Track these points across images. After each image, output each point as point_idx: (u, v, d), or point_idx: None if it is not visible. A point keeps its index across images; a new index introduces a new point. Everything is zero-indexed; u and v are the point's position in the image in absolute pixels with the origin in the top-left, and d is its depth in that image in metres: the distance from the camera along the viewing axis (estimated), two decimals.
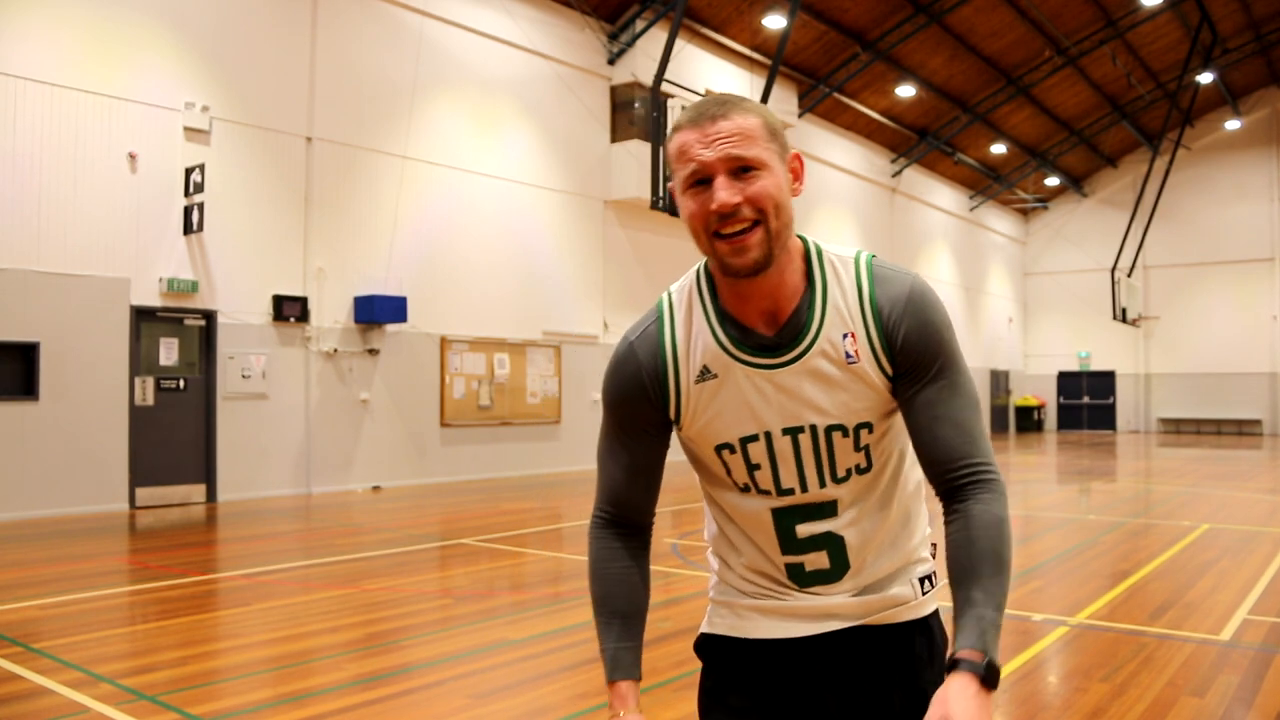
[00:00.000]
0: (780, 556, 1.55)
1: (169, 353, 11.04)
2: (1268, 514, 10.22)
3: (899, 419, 1.53)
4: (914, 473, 1.61)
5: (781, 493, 1.51)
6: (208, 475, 11.25)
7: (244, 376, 11.56)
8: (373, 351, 12.99)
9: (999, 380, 31.77)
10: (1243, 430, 28.83)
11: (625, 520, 1.62)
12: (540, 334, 15.40)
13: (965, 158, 27.05)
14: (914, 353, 1.45)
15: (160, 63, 10.94)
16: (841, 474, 1.51)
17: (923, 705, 1.41)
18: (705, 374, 1.48)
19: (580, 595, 6.23)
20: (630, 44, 16.58)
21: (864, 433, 1.49)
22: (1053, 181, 30.80)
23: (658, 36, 16.24)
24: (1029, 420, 31.70)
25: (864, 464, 1.51)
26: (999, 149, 27.26)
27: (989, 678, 1.31)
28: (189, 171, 10.95)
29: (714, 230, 1.40)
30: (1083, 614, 5.57)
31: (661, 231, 17.16)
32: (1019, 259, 33.33)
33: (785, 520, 1.52)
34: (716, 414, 1.49)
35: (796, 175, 1.47)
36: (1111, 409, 31.47)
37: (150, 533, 9.11)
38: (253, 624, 5.50)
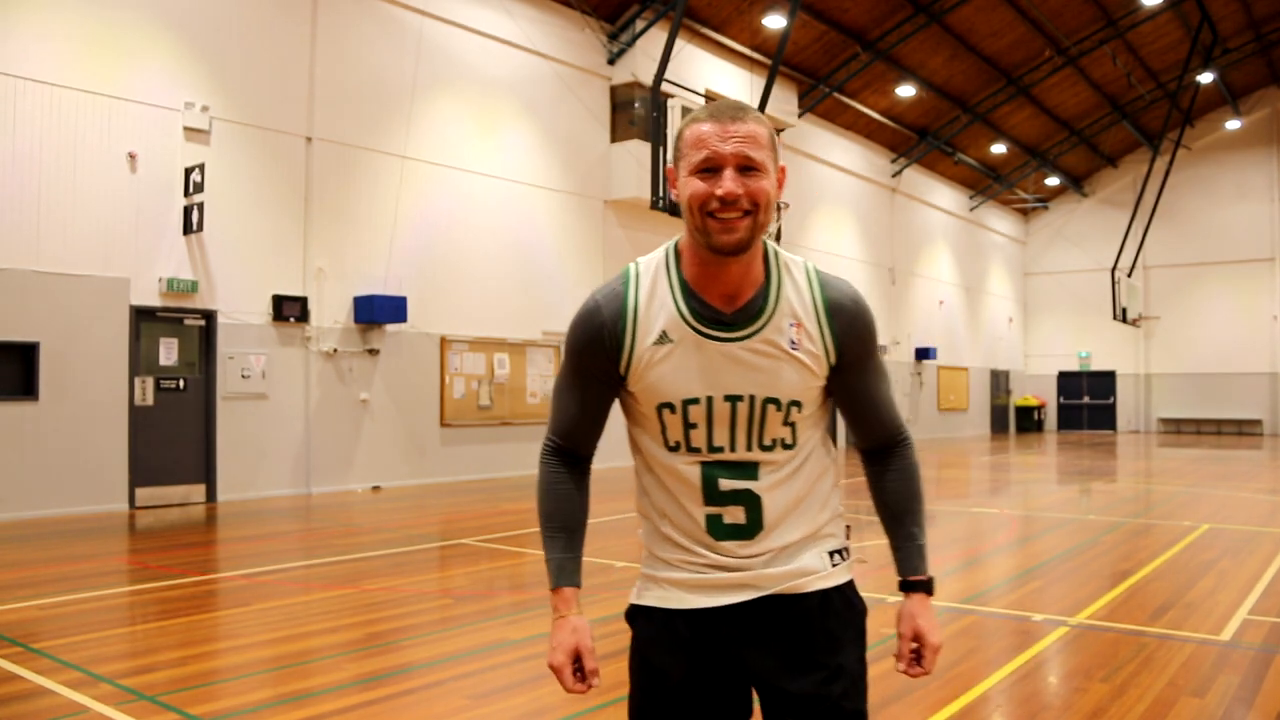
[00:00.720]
0: (702, 508, 1.73)
1: (169, 353, 11.04)
2: (1268, 514, 10.21)
3: (824, 408, 1.79)
4: (829, 454, 1.83)
5: (712, 449, 1.71)
6: (207, 475, 11.24)
7: (244, 376, 11.56)
8: (373, 351, 12.99)
9: (999, 380, 31.76)
10: (1243, 430, 28.83)
11: (571, 450, 1.84)
12: (540, 334, 15.39)
13: (965, 158, 27.05)
14: (857, 347, 1.74)
15: (160, 62, 10.94)
16: (767, 442, 1.72)
17: (840, 666, 1.72)
18: (663, 338, 1.68)
19: (580, 595, 6.23)
20: (630, 44, 16.58)
21: (794, 410, 1.71)
22: (1053, 181, 30.80)
23: (658, 36, 16.23)
24: (1029, 420, 31.69)
25: (789, 440, 1.73)
26: (999, 149, 27.26)
27: (931, 591, 1.82)
28: (189, 171, 10.95)
29: (710, 210, 1.61)
30: (1083, 614, 5.57)
31: (661, 231, 17.15)
32: (1019, 259, 33.33)
33: (710, 473, 1.72)
34: (665, 375, 1.69)
35: (780, 184, 1.68)
36: (1112, 409, 31.47)
37: (150, 533, 9.11)
38: (252, 624, 5.50)
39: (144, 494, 10.66)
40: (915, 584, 1.82)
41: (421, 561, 7.59)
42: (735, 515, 1.72)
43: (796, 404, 1.71)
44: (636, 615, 1.83)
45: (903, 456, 1.85)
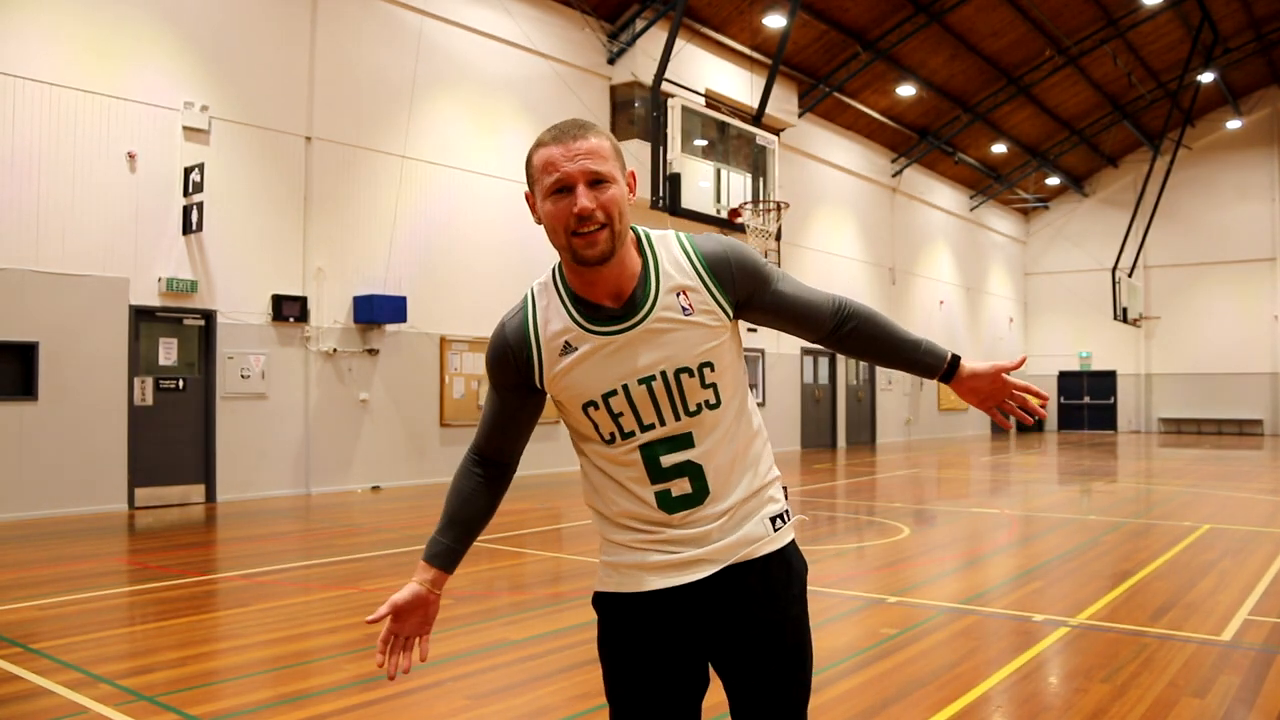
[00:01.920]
0: (649, 488, 1.83)
1: (168, 353, 11.03)
2: (1269, 514, 10.20)
3: (739, 360, 1.90)
4: (756, 417, 1.94)
5: (644, 429, 1.81)
6: (207, 475, 11.24)
7: (243, 376, 11.55)
8: (372, 351, 12.98)
9: None
10: (1243, 430, 28.82)
11: (489, 455, 1.98)
12: None
13: (966, 157, 27.04)
14: (749, 284, 1.85)
15: (159, 62, 10.93)
16: (693, 408, 1.82)
17: (784, 623, 1.86)
18: (567, 348, 1.82)
19: (581, 595, 6.22)
20: (630, 43, 16.57)
21: (707, 371, 1.81)
22: (1053, 181, 30.79)
23: (658, 36, 16.22)
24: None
25: (713, 400, 1.83)
26: (999, 149, 27.25)
27: (955, 361, 1.97)
28: (188, 171, 10.94)
29: (572, 230, 1.73)
30: (1083, 614, 5.56)
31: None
32: (1020, 259, 33.32)
33: (651, 452, 1.82)
34: (579, 378, 1.81)
35: (631, 187, 1.81)
36: (1112, 409, 31.46)
37: (149, 533, 9.10)
38: (252, 624, 5.49)
39: (143, 494, 10.66)
40: (950, 368, 1.96)
41: None
42: (682, 486, 1.83)
43: (708, 365, 1.81)
44: (600, 602, 1.94)
45: (851, 315, 1.94)
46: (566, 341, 1.82)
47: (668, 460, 1.82)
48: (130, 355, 10.58)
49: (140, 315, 10.71)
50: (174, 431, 10.96)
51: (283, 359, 12.03)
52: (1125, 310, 26.33)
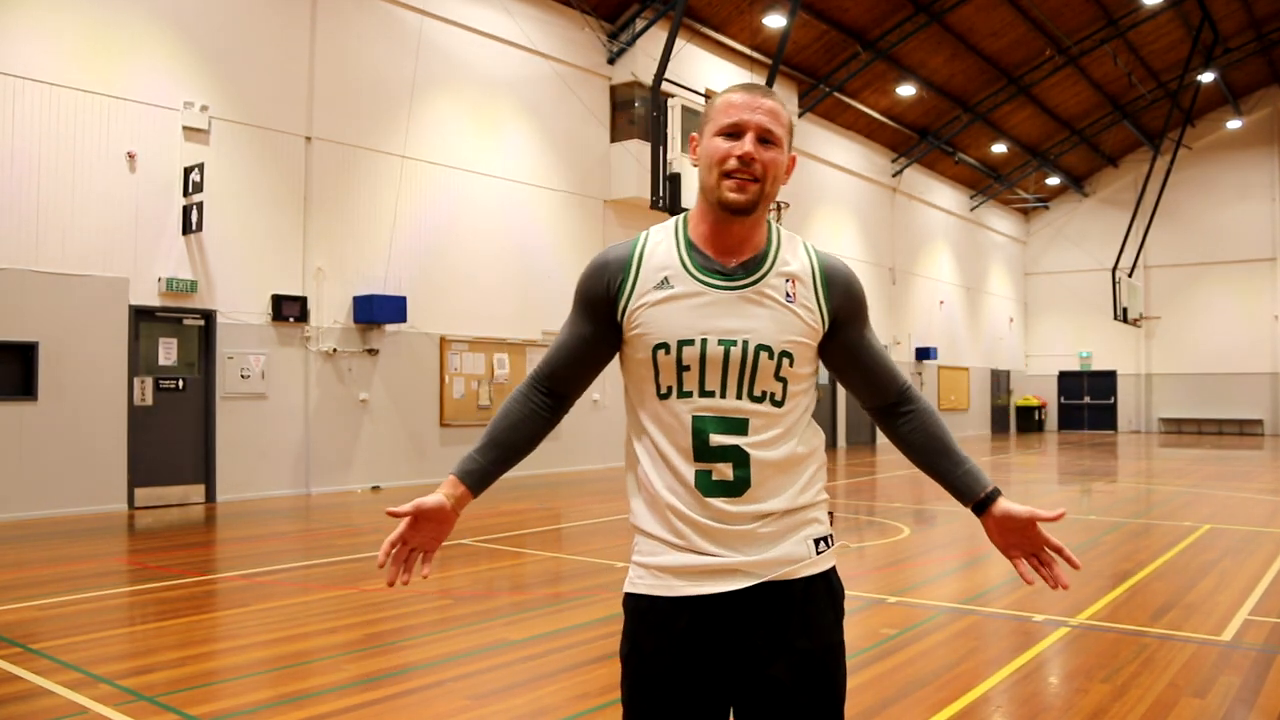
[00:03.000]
0: (691, 465, 1.80)
1: (168, 353, 11.03)
2: (1269, 514, 10.20)
3: (813, 378, 1.89)
4: (814, 442, 1.90)
5: (704, 394, 1.79)
6: (207, 475, 11.23)
7: (243, 376, 11.55)
8: (372, 351, 12.98)
9: (1000, 380, 31.75)
10: (1244, 430, 28.82)
11: (550, 383, 1.95)
12: (540, 334, 15.39)
13: (966, 157, 27.04)
14: (850, 308, 1.87)
15: (159, 62, 10.93)
16: (757, 393, 1.80)
17: (822, 652, 1.81)
18: (664, 283, 1.81)
19: (580, 595, 6.22)
20: (630, 43, 16.57)
21: (785, 361, 1.80)
22: (1053, 181, 30.79)
23: (658, 36, 16.22)
24: (1030, 420, 31.68)
25: (779, 396, 1.82)
26: (999, 148, 27.24)
27: (993, 494, 1.88)
28: (188, 171, 10.94)
29: (726, 170, 1.76)
30: (1084, 614, 5.56)
31: None
32: (1020, 259, 33.31)
33: (701, 425, 1.79)
34: (663, 316, 1.80)
35: (789, 169, 1.85)
36: (1112, 409, 31.45)
37: (149, 533, 9.10)
38: (252, 625, 5.49)
39: (143, 494, 10.66)
40: (987, 499, 1.89)
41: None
42: (723, 472, 1.80)
43: (788, 355, 1.80)
44: (629, 602, 1.89)
45: (914, 400, 1.93)
46: (666, 277, 1.81)
47: (716, 440, 1.79)
48: (130, 355, 10.58)
49: (140, 315, 10.71)
50: (174, 431, 10.95)
51: (283, 359, 12.03)
52: (1125, 310, 26.33)
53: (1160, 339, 30.50)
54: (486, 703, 4.04)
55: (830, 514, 1.95)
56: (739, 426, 1.79)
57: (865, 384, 1.94)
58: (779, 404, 1.82)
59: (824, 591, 1.86)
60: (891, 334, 25.35)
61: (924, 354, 26.43)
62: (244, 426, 11.55)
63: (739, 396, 1.79)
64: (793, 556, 1.82)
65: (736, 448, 1.79)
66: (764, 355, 1.78)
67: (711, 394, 1.79)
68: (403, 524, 1.84)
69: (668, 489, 1.82)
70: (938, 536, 8.98)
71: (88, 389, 10.18)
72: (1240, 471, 15.84)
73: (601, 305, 1.86)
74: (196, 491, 11.14)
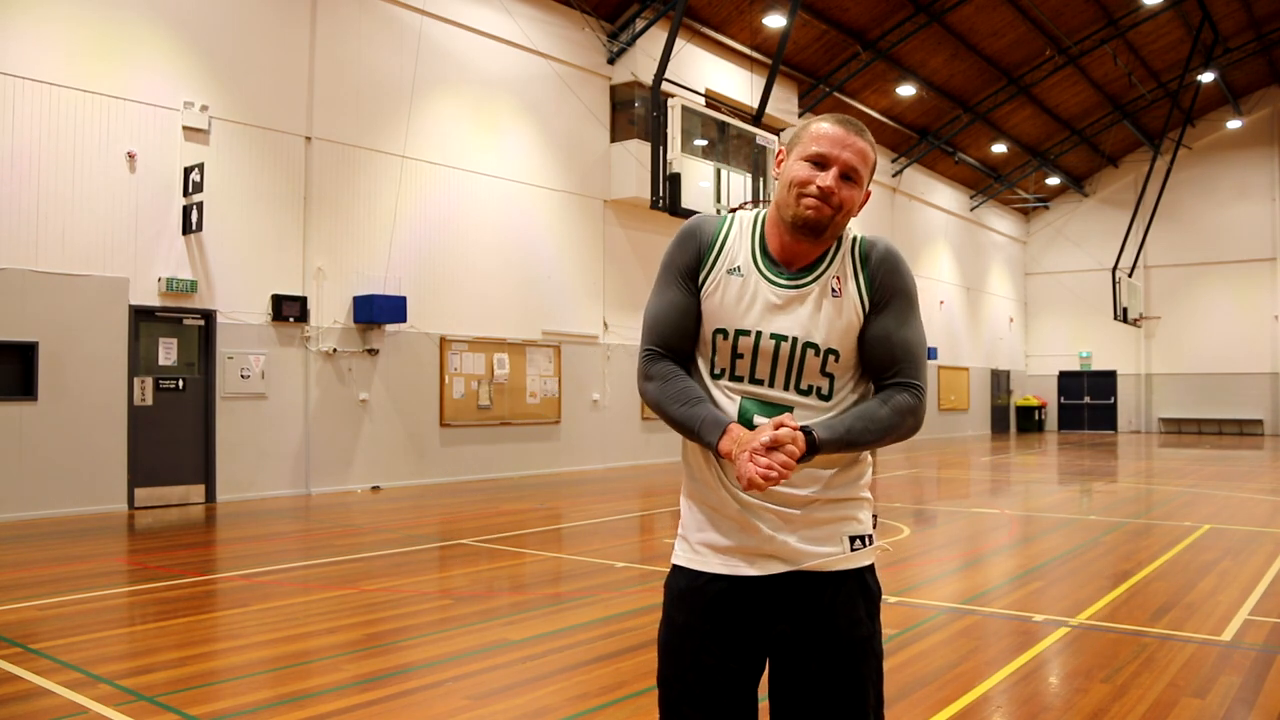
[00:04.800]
0: None
1: (168, 353, 11.03)
2: (1269, 514, 10.20)
3: (859, 374, 1.96)
4: (865, 453, 1.98)
5: (753, 381, 1.93)
6: (206, 475, 11.23)
7: (243, 376, 11.55)
8: (372, 351, 12.97)
9: (1000, 380, 31.74)
10: (1244, 430, 28.81)
11: (671, 349, 1.99)
12: (540, 334, 15.38)
13: (966, 157, 27.04)
14: (889, 282, 1.93)
15: (159, 62, 10.92)
16: (804, 386, 1.92)
17: (851, 644, 1.91)
18: (735, 270, 1.95)
19: (580, 595, 6.22)
20: (630, 43, 16.56)
21: (831, 359, 1.91)
22: (1054, 181, 30.78)
23: (658, 36, 16.22)
24: (1030, 420, 31.67)
25: (825, 390, 1.92)
26: (1000, 148, 27.24)
27: (811, 443, 1.80)
28: (188, 171, 10.94)
29: (804, 192, 1.87)
30: (1084, 615, 5.56)
31: (661, 231, 17.15)
32: (1020, 259, 33.31)
33: (747, 406, 1.92)
34: (728, 302, 1.93)
35: (862, 205, 1.95)
36: (1112, 409, 31.45)
37: (149, 533, 9.10)
38: (252, 625, 5.49)
39: (143, 494, 10.65)
40: (809, 428, 1.83)
41: (421, 562, 7.58)
42: None
43: (834, 352, 1.91)
44: (672, 575, 2.02)
45: (901, 393, 1.93)
46: (739, 265, 1.95)
47: (760, 422, 1.88)
48: (130, 355, 10.58)
49: (140, 315, 10.71)
50: (174, 432, 10.95)
51: (283, 359, 12.03)
52: (1125, 310, 26.32)
53: (1160, 339, 30.50)
54: (486, 703, 4.04)
55: (875, 516, 2.02)
56: (783, 410, 1.89)
57: (873, 364, 1.96)
58: (826, 398, 1.92)
59: (857, 588, 1.94)
60: None
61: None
62: (244, 426, 11.54)
63: (786, 388, 1.92)
64: (827, 550, 1.91)
65: None
66: (810, 353, 1.90)
67: (760, 382, 1.92)
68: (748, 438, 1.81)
69: (710, 463, 1.95)
70: (938, 536, 8.98)
71: (88, 389, 10.18)
72: (1240, 471, 15.84)
73: (691, 266, 1.97)
74: (196, 491, 11.14)
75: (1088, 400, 31.95)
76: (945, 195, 28.40)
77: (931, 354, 26.56)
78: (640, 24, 16.49)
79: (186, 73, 11.15)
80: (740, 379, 1.93)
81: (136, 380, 10.66)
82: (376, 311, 12.62)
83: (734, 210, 2.05)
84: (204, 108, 11.22)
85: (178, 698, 4.07)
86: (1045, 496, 12.73)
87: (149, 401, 10.76)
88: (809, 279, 1.92)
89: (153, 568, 7.27)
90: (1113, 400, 31.44)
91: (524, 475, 14.72)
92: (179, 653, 4.81)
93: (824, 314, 1.91)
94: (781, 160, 1.95)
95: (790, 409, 1.89)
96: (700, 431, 1.88)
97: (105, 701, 3.99)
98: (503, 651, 4.84)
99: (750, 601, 1.91)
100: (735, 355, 1.92)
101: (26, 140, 9.82)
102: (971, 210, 29.91)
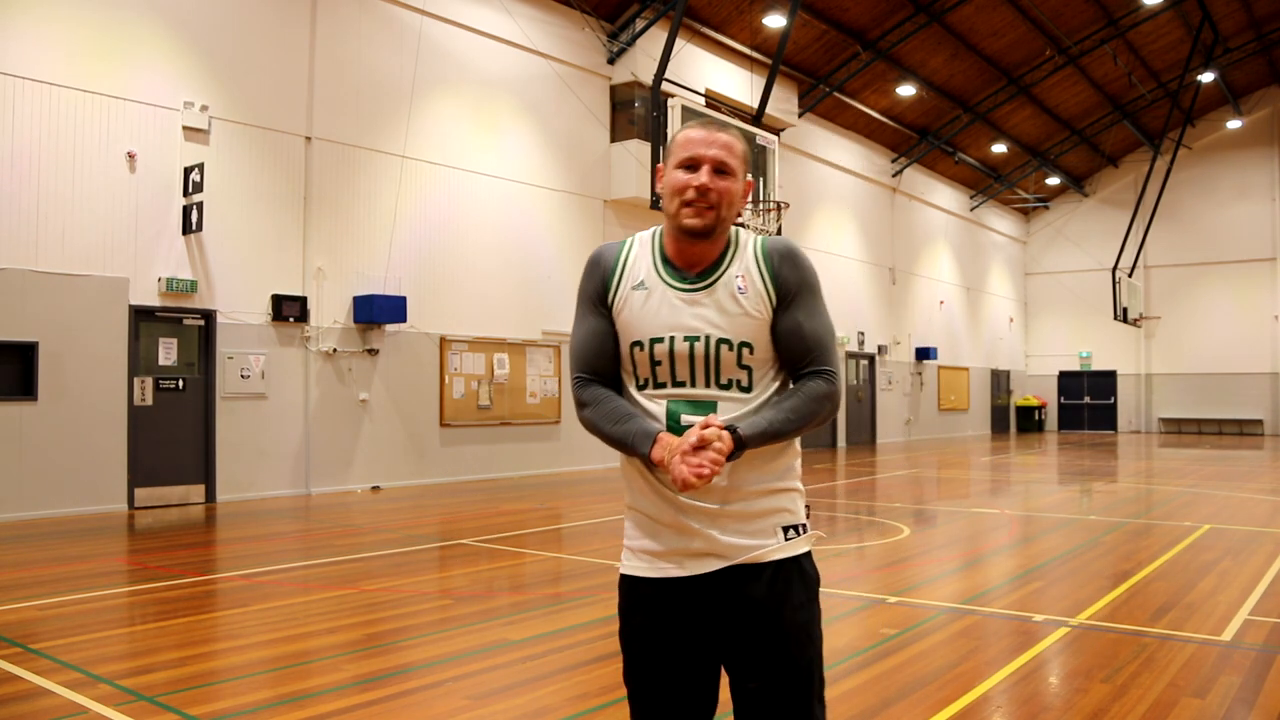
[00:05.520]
0: None
1: (168, 353, 11.03)
2: (1269, 514, 10.20)
3: (777, 362, 2.06)
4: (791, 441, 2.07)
5: (675, 384, 2.02)
6: (206, 475, 11.23)
7: (243, 376, 11.55)
8: (372, 351, 12.97)
9: (999, 380, 31.75)
10: (1244, 430, 28.81)
11: (597, 373, 2.09)
12: (540, 334, 15.38)
13: (966, 157, 27.04)
14: (792, 278, 2.03)
15: (159, 62, 10.92)
16: (724, 381, 2.01)
17: (789, 631, 1.99)
18: (640, 285, 2.05)
19: (580, 595, 6.22)
20: (630, 43, 16.56)
21: (745, 351, 2.00)
22: (1053, 181, 30.78)
23: (658, 36, 16.22)
24: (1030, 420, 31.68)
25: (745, 382, 2.02)
26: (1000, 148, 27.24)
27: (738, 440, 1.90)
28: (188, 171, 10.94)
29: (686, 199, 1.98)
30: (1084, 614, 5.56)
31: None
32: (1020, 259, 33.31)
33: (674, 407, 2.01)
34: (638, 315, 2.03)
35: (745, 194, 2.08)
36: (1112, 409, 31.45)
37: (149, 533, 9.10)
38: (252, 625, 5.49)
39: (143, 494, 10.65)
40: (734, 427, 1.93)
41: (421, 562, 7.58)
42: None
43: (747, 345, 2.00)
44: (621, 583, 2.13)
45: (815, 380, 2.03)
46: (642, 280, 2.05)
47: (688, 419, 1.98)
48: (130, 355, 10.58)
49: (140, 315, 10.71)
50: (174, 432, 10.95)
51: (282, 359, 12.03)
52: (1125, 310, 26.32)
53: (1160, 339, 30.50)
54: (486, 703, 4.04)
55: (807, 507, 2.12)
56: (708, 408, 1.99)
57: (787, 356, 2.06)
58: (747, 389, 2.01)
59: (795, 575, 2.03)
60: (892, 334, 25.35)
61: (924, 354, 26.42)
62: (244, 426, 11.54)
63: (708, 385, 2.01)
64: (762, 541, 2.01)
65: None
66: (724, 348, 1.99)
67: (683, 383, 2.01)
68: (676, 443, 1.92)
69: (643, 473, 2.05)
70: (938, 536, 8.98)
71: (88, 389, 10.18)
72: (1240, 471, 15.84)
73: (599, 293, 2.08)
74: (196, 491, 11.14)
75: (1088, 400, 31.96)
76: (945, 195, 28.40)
77: (931, 354, 26.57)
78: (640, 24, 16.50)
79: (186, 73, 11.15)
80: (663, 385, 2.02)
81: (136, 380, 10.66)
82: (376, 311, 12.62)
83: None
84: (204, 108, 11.22)
85: (178, 698, 4.07)
86: (1045, 496, 12.74)
87: (149, 401, 10.76)
88: (711, 279, 2.02)
89: (153, 568, 7.27)
90: (1113, 400, 31.44)
91: (524, 475, 14.72)
92: (179, 653, 4.81)
93: (731, 310, 2.00)
94: (660, 176, 2.06)
95: (714, 404, 1.99)
96: (634, 444, 1.98)
97: (105, 701, 3.99)
98: (503, 651, 4.84)
99: (693, 601, 2.01)
100: (654, 363, 2.02)
101: (26, 140, 9.82)
102: (971, 210, 29.91)
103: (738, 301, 2.01)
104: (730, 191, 2.00)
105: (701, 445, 1.86)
